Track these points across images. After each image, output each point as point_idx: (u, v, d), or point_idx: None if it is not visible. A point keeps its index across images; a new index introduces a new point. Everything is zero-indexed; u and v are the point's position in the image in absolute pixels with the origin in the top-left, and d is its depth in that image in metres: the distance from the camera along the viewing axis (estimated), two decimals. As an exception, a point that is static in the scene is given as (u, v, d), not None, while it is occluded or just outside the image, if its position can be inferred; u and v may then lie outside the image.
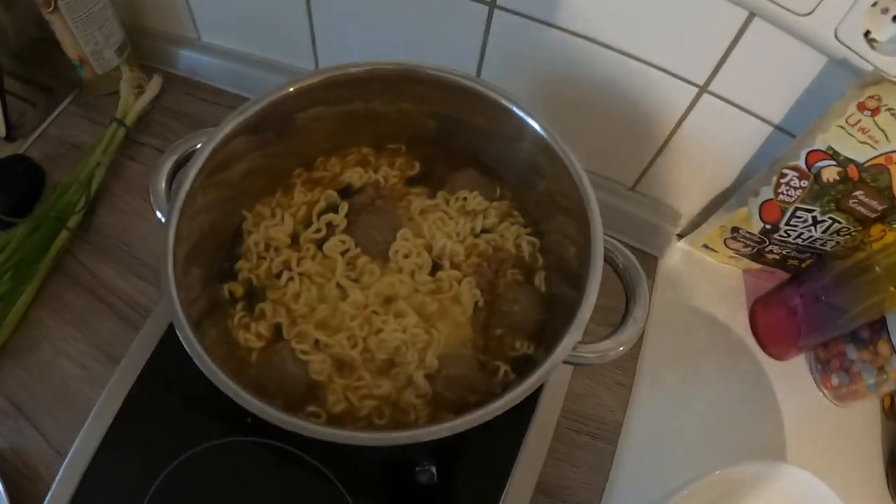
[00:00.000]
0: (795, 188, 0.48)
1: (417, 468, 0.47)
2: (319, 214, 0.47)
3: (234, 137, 0.43)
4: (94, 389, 0.51)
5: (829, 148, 0.45)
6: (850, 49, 0.40)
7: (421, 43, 0.56)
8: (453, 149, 0.51)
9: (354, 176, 0.49)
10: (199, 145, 0.43)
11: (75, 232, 0.59)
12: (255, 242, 0.46)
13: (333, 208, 0.48)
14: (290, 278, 0.45)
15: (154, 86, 0.66)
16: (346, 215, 0.47)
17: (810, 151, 0.45)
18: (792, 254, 0.53)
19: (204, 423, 0.47)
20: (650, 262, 0.58)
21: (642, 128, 0.53)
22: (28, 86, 0.70)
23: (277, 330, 0.44)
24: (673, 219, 0.58)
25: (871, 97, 0.41)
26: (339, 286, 0.45)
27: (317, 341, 0.43)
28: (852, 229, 0.48)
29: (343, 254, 0.46)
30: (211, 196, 0.44)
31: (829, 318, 0.50)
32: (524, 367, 0.44)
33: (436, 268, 0.46)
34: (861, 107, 0.42)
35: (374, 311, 0.43)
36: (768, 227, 0.51)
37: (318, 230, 0.47)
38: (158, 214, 0.42)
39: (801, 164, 0.46)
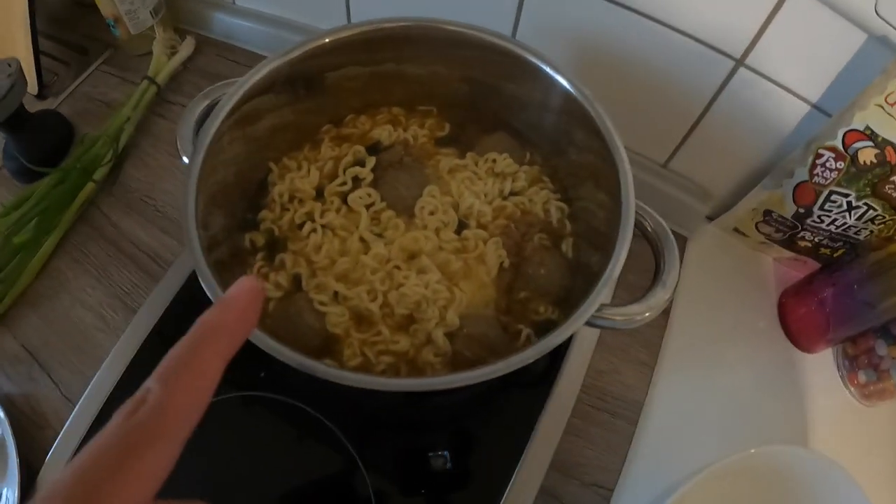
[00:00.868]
0: (831, 170, 0.46)
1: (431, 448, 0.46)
2: (346, 168, 0.47)
3: (265, 86, 0.43)
4: (109, 339, 0.51)
5: (867, 128, 0.43)
6: (891, 25, 0.39)
7: (457, 5, 0.55)
8: (485, 113, 0.50)
9: (384, 133, 0.49)
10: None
11: (101, 185, 0.59)
12: (280, 193, 0.46)
13: (360, 163, 0.48)
14: (313, 230, 0.44)
15: (187, 46, 0.66)
16: (373, 170, 0.47)
17: (847, 131, 0.44)
18: (825, 241, 0.52)
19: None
20: (679, 241, 0.56)
21: (676, 102, 0.52)
22: (63, 47, 0.71)
23: (296, 282, 0.43)
24: (704, 198, 0.57)
25: (912, 75, 0.40)
26: (362, 240, 0.44)
27: (336, 294, 0.42)
28: (888, 217, 0.47)
29: (368, 207, 0.45)
30: (238, 145, 0.44)
31: (859, 311, 0.49)
32: (546, 332, 0.43)
33: (462, 227, 0.45)
34: (902, 85, 0.40)
35: (397, 266, 0.43)
36: (802, 210, 0.50)
37: (344, 183, 0.46)
38: (184, 157, 0.42)
39: (838, 144, 0.45)
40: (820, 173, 0.47)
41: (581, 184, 0.47)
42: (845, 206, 0.48)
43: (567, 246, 0.46)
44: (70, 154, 0.62)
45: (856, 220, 0.48)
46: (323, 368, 0.32)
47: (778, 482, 0.43)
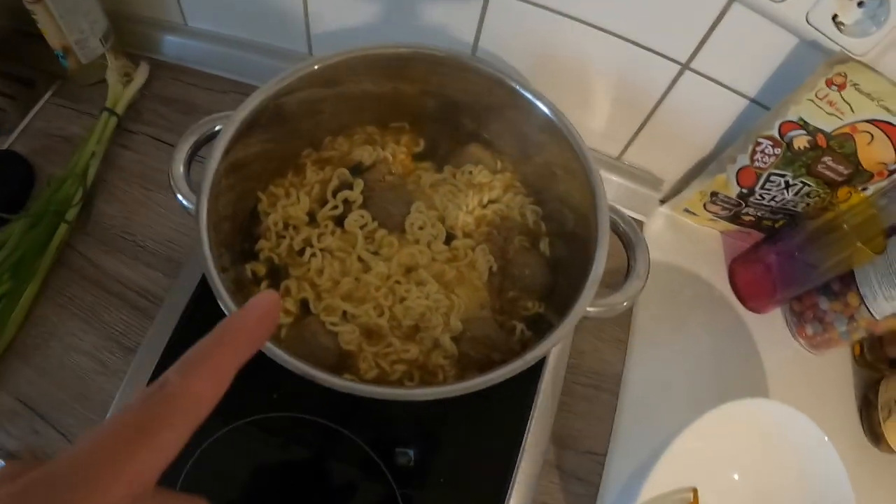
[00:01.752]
0: (769, 155, 0.53)
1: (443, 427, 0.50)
2: (335, 192, 0.49)
3: (253, 119, 0.44)
4: (111, 382, 0.51)
5: (801, 119, 0.49)
6: (820, 32, 0.44)
7: (418, 24, 0.58)
8: (454, 126, 0.53)
9: (364, 154, 0.51)
10: (217, 127, 0.44)
11: (74, 225, 0.58)
12: (274, 222, 0.48)
13: (347, 186, 0.50)
14: (313, 254, 0.47)
15: (142, 73, 0.65)
16: (361, 191, 0.49)
17: (783, 122, 0.50)
18: (766, 215, 0.58)
19: (227, 405, 0.48)
20: (636, 226, 0.63)
21: (628, 103, 0.57)
22: (7, 80, 0.68)
23: (303, 305, 0.46)
24: (656, 186, 0.63)
25: (837, 74, 0.46)
26: (360, 259, 0.47)
27: (344, 313, 0.45)
28: (821, 192, 0.54)
29: (361, 228, 0.48)
30: (230, 179, 0.45)
31: (802, 273, 0.56)
32: (537, 325, 0.47)
33: (449, 238, 0.49)
34: (829, 82, 0.46)
35: (397, 281, 0.46)
36: (745, 191, 0.56)
37: (336, 207, 0.49)
38: (180, 198, 0.43)
39: (775, 133, 0.51)
40: (760, 159, 0.53)
41: (551, 186, 0.51)
42: (783, 185, 0.54)
43: (544, 245, 0.51)
44: (33, 196, 0.61)
45: (793, 195, 0.55)
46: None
47: (746, 432, 0.49)
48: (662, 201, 0.64)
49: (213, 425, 0.47)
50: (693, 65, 0.51)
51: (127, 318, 0.55)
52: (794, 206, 0.56)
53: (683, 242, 0.63)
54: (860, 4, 0.44)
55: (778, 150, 0.52)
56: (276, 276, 0.47)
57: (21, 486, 0.17)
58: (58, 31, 0.61)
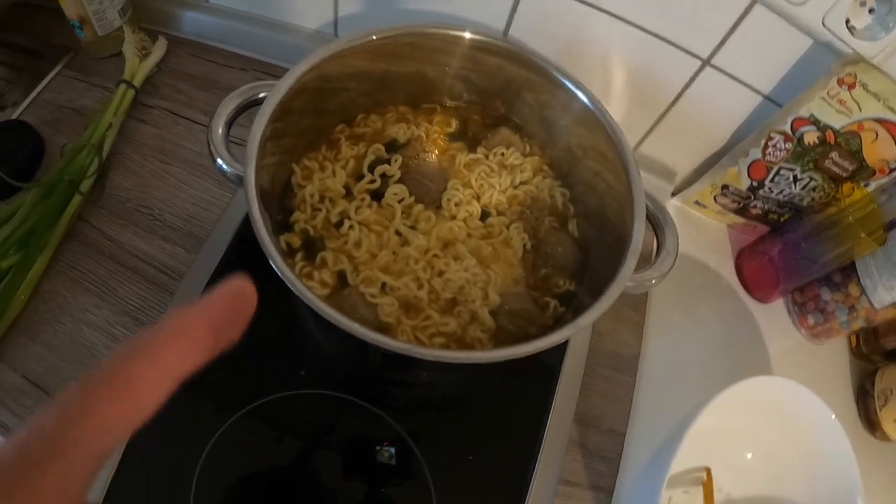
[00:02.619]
0: (780, 150, 0.56)
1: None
2: (371, 166, 0.49)
3: (297, 90, 0.44)
4: (125, 357, 0.50)
5: (812, 116, 0.52)
6: (834, 34, 0.48)
7: (447, 10, 0.59)
8: (485, 109, 0.55)
9: (399, 131, 0.52)
10: (262, 94, 0.44)
11: (87, 197, 0.57)
12: (311, 194, 0.48)
13: (381, 161, 0.50)
14: (351, 226, 0.47)
15: (160, 47, 0.64)
16: (399, 167, 0.50)
17: (795, 118, 0.53)
18: (773, 209, 0.61)
19: (252, 382, 0.47)
20: (665, 207, 0.65)
21: (648, 95, 0.59)
22: (11, 51, 0.66)
23: (340, 277, 0.46)
24: (669, 178, 0.65)
25: (848, 74, 0.49)
26: (397, 233, 0.47)
27: (383, 286, 0.45)
28: (827, 187, 0.57)
29: (399, 202, 0.48)
30: (272, 148, 0.45)
31: (805, 265, 0.59)
32: (569, 302, 0.48)
33: (484, 216, 0.50)
34: (840, 82, 0.50)
35: (436, 255, 0.46)
36: (755, 184, 0.59)
37: (373, 181, 0.49)
38: (220, 161, 0.42)
39: (787, 128, 0.54)
40: (771, 153, 0.56)
41: (578, 170, 0.52)
42: (791, 179, 0.57)
43: (573, 226, 0.52)
44: (43, 167, 0.59)
45: (800, 189, 0.58)
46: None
47: (762, 409, 0.51)
48: (673, 193, 0.67)
49: (247, 398, 0.47)
50: (714, 61, 0.54)
51: (143, 293, 0.53)
52: (800, 200, 0.59)
53: (692, 234, 0.66)
54: (871, 11, 0.47)
55: (789, 145, 0.55)
56: (310, 247, 0.47)
57: None
58: (76, 0, 0.59)
